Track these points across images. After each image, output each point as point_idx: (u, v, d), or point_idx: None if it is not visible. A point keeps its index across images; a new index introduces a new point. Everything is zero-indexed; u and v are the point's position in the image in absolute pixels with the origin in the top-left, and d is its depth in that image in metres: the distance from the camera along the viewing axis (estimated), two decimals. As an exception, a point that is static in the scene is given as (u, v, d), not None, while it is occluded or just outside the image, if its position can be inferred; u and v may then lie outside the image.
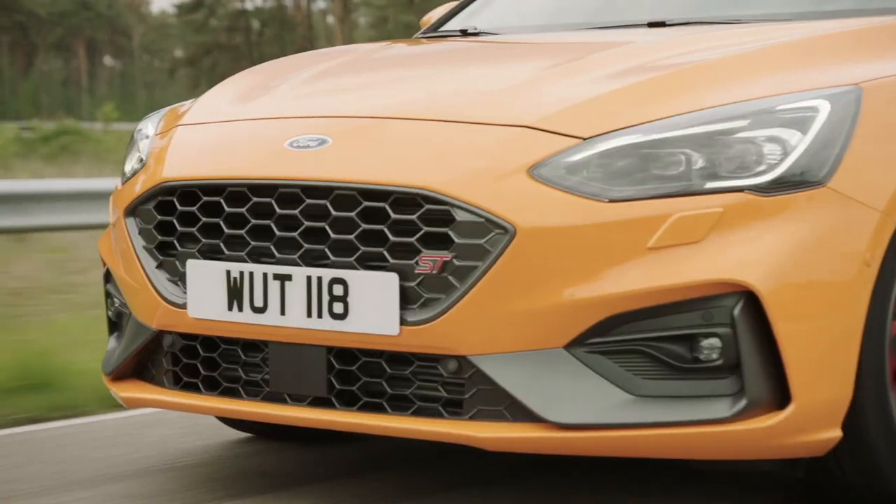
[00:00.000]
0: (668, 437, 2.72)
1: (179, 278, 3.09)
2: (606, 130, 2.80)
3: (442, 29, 4.31)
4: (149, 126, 3.49)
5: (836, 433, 2.77)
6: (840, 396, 2.75)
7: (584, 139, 2.79)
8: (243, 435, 3.87)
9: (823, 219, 2.74)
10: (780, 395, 2.71)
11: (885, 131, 2.86)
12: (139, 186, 3.21)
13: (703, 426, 2.70)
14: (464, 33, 4.06)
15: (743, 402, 2.69)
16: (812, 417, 2.73)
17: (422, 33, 4.37)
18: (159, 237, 3.13)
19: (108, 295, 3.46)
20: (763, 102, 2.83)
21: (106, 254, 3.44)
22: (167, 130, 3.36)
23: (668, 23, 3.65)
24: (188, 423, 4.00)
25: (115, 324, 3.44)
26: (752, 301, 2.69)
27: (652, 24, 3.68)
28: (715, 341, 2.70)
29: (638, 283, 2.69)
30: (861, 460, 2.83)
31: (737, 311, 2.68)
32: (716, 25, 3.56)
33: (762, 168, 2.75)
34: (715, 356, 2.71)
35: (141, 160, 3.36)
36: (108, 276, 3.44)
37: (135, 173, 3.34)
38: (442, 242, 2.76)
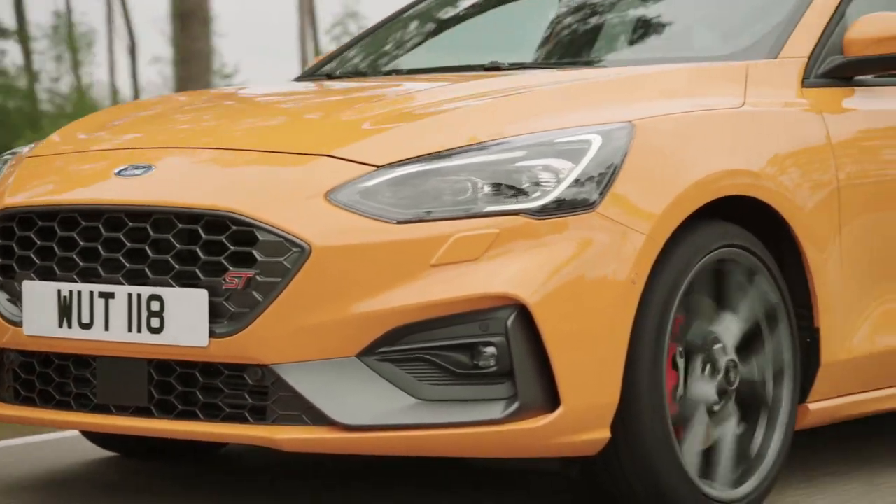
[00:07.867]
0: (448, 437, 2.98)
1: (18, 298, 3.33)
2: (399, 159, 3.08)
3: (320, 72, 4.55)
4: (23, 150, 3.76)
5: (604, 434, 3.04)
6: (607, 401, 3.03)
7: (379, 167, 3.08)
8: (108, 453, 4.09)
9: (592, 240, 3.03)
10: (551, 399, 2.99)
11: (652, 163, 3.16)
12: (-13, 212, 3.46)
13: (479, 426, 2.97)
14: (329, 77, 4.36)
15: (515, 405, 2.97)
16: (580, 419, 3.01)
17: (296, 77, 4.66)
18: (1, 260, 3.37)
19: None
20: (541, 135, 3.13)
21: None
22: (19, 161, 3.63)
23: (501, 67, 3.92)
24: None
25: None
26: (524, 313, 2.97)
27: (487, 69, 3.96)
28: (492, 349, 2.98)
29: (422, 296, 2.97)
30: (632, 461, 3.10)
31: (510, 322, 2.96)
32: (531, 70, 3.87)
33: (537, 194, 3.04)
34: (491, 363, 2.98)
35: None
36: None
37: None
38: (247, 261, 3.03)
